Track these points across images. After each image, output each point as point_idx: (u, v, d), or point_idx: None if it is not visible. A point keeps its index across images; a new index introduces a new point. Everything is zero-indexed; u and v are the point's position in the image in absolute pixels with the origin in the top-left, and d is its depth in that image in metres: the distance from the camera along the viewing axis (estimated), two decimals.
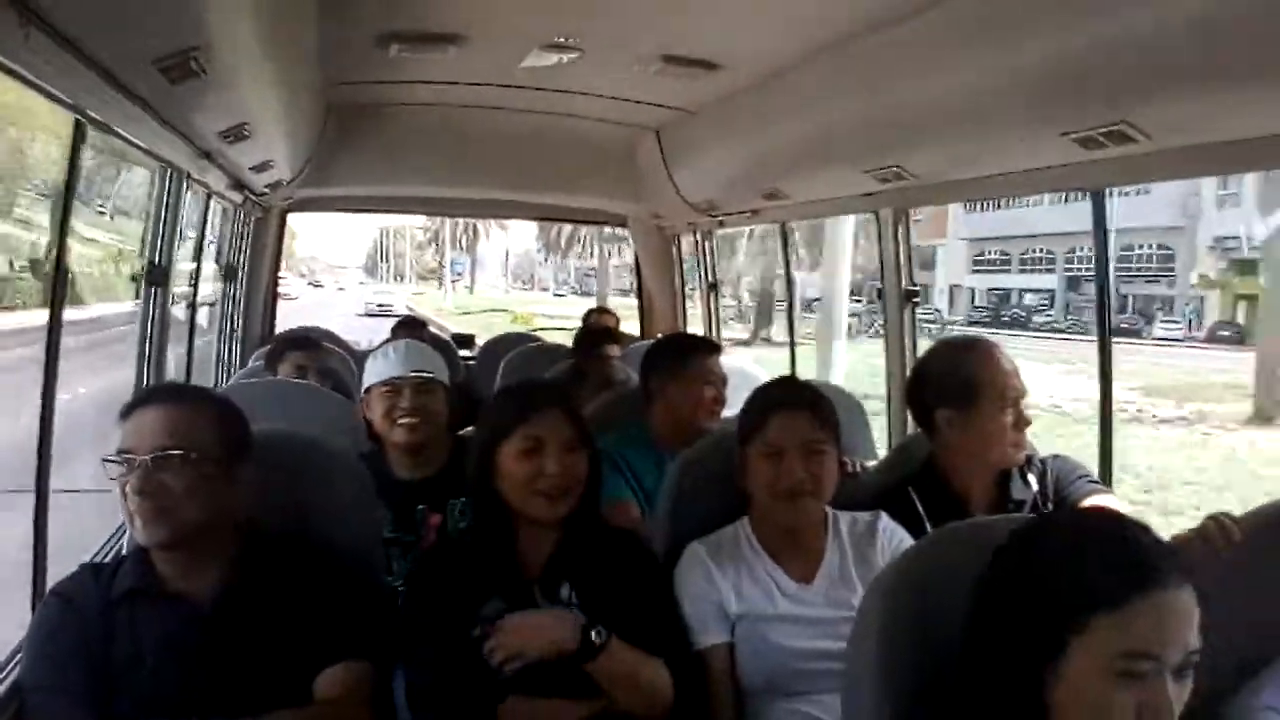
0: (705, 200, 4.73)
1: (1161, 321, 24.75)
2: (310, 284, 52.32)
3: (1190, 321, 24.08)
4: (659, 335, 5.07)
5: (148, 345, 2.94)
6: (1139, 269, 24.59)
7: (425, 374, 2.54)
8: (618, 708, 1.75)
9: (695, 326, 5.71)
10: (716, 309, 5.62)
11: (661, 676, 1.80)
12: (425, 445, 2.50)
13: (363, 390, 2.62)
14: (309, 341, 3.80)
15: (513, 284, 54.66)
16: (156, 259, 2.97)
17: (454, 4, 3.03)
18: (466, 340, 6.84)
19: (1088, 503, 2.14)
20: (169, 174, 2.99)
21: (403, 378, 2.51)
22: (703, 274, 5.53)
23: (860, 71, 2.82)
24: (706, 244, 5.44)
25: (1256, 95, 1.84)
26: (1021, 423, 2.20)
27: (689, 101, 4.05)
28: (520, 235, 48.28)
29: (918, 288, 3.55)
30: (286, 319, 6.27)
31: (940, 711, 1.28)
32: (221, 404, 1.77)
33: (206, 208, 4.04)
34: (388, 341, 3.21)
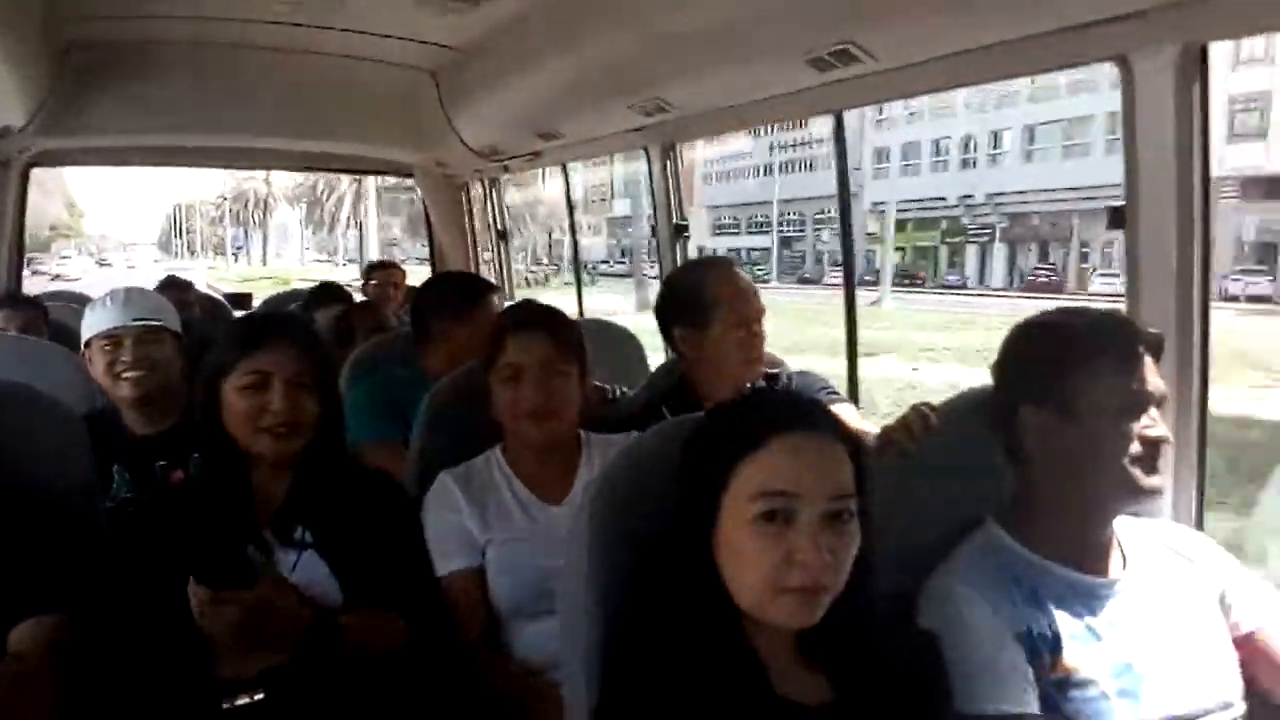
0: (487, 145, 4.62)
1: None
2: (98, 263, 48.59)
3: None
4: None
5: None
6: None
7: (150, 321, 2.34)
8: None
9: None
10: (507, 258, 5.53)
11: (392, 632, 1.72)
12: (154, 398, 2.32)
13: (83, 344, 2.40)
14: (18, 300, 3.52)
15: (318, 255, 52.48)
16: None
17: None
18: (243, 299, 6.52)
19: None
20: None
21: (123, 327, 2.32)
22: (492, 222, 5.42)
23: (616, 3, 2.80)
24: (494, 191, 5.33)
25: (968, 11, 1.93)
26: (757, 339, 2.25)
27: (462, 41, 3.92)
28: None
29: (687, 223, 3.59)
30: None
31: (645, 602, 1.28)
32: None
33: None
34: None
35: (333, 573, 1.74)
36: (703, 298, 2.26)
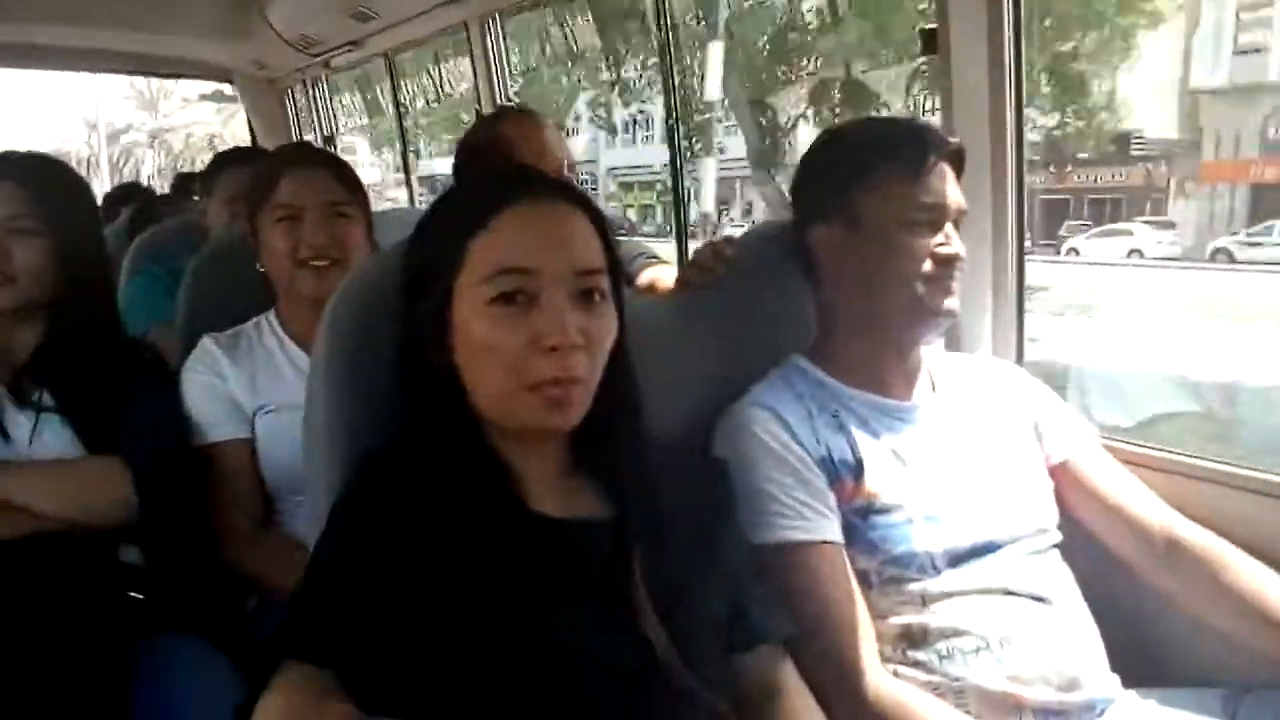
0: (302, 36, 4.25)
1: None
2: None
3: None
4: None
5: None
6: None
7: None
8: (52, 524, 1.45)
9: None
10: None
11: (97, 478, 1.51)
12: None
13: None
14: None
15: None
16: None
17: None
18: None
19: (646, 274, 2.09)
20: None
21: None
22: (317, 128, 5.05)
23: None
24: (315, 91, 4.95)
25: None
26: None
27: None
28: None
29: (514, 104, 3.37)
30: None
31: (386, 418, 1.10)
32: None
33: None
34: None
35: (77, 437, 1.53)
36: (497, 146, 2.05)
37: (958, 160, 1.41)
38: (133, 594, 1.50)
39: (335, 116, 5.12)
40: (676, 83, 2.94)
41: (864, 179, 1.38)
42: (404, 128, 4.81)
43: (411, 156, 5.19)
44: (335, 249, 1.72)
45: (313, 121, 5.10)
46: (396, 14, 3.64)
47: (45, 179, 1.60)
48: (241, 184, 2.45)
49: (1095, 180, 19.08)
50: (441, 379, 1.03)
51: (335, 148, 5.08)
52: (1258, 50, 15.80)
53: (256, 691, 0.96)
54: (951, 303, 1.37)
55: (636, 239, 2.34)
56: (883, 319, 1.40)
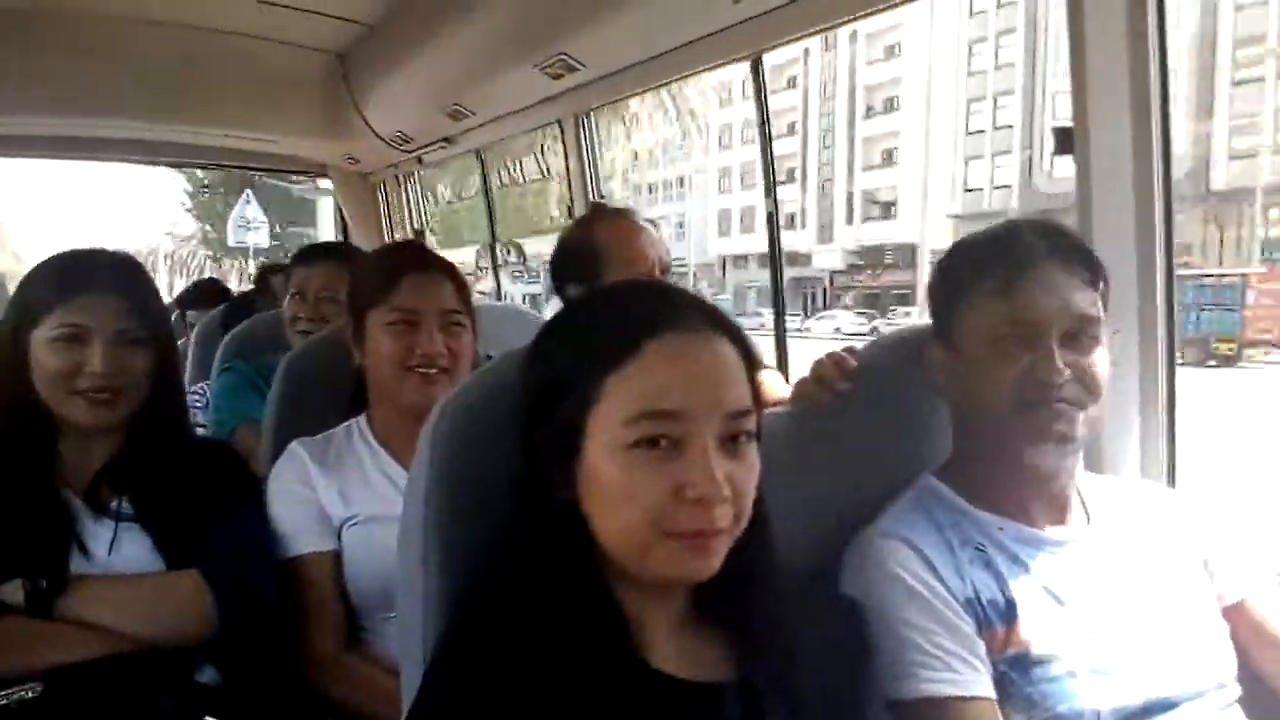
0: (396, 133, 4.34)
1: None
2: None
3: None
4: None
5: None
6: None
7: None
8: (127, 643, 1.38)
9: None
10: None
11: (176, 595, 1.43)
12: None
13: None
14: None
15: None
16: None
17: None
18: None
19: None
20: None
21: None
22: (408, 220, 5.12)
23: None
24: (408, 185, 5.04)
25: None
26: None
27: (368, 15, 3.67)
28: None
29: (605, 199, 3.35)
30: None
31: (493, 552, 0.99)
32: None
33: None
34: None
35: (157, 548, 1.47)
36: (593, 248, 2.02)
37: (1073, 260, 1.26)
38: (209, 718, 1.41)
39: (426, 212, 5.20)
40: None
41: (958, 294, 1.28)
42: (493, 220, 4.83)
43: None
44: (447, 358, 1.67)
45: (403, 215, 5.18)
46: (491, 112, 3.69)
47: (146, 286, 1.57)
48: (320, 280, 2.46)
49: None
50: (564, 517, 0.92)
51: (424, 239, 5.14)
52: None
53: None
54: (1066, 427, 1.22)
55: None
56: (995, 443, 1.27)
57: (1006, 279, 1.23)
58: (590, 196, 3.30)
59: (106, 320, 1.45)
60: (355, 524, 1.63)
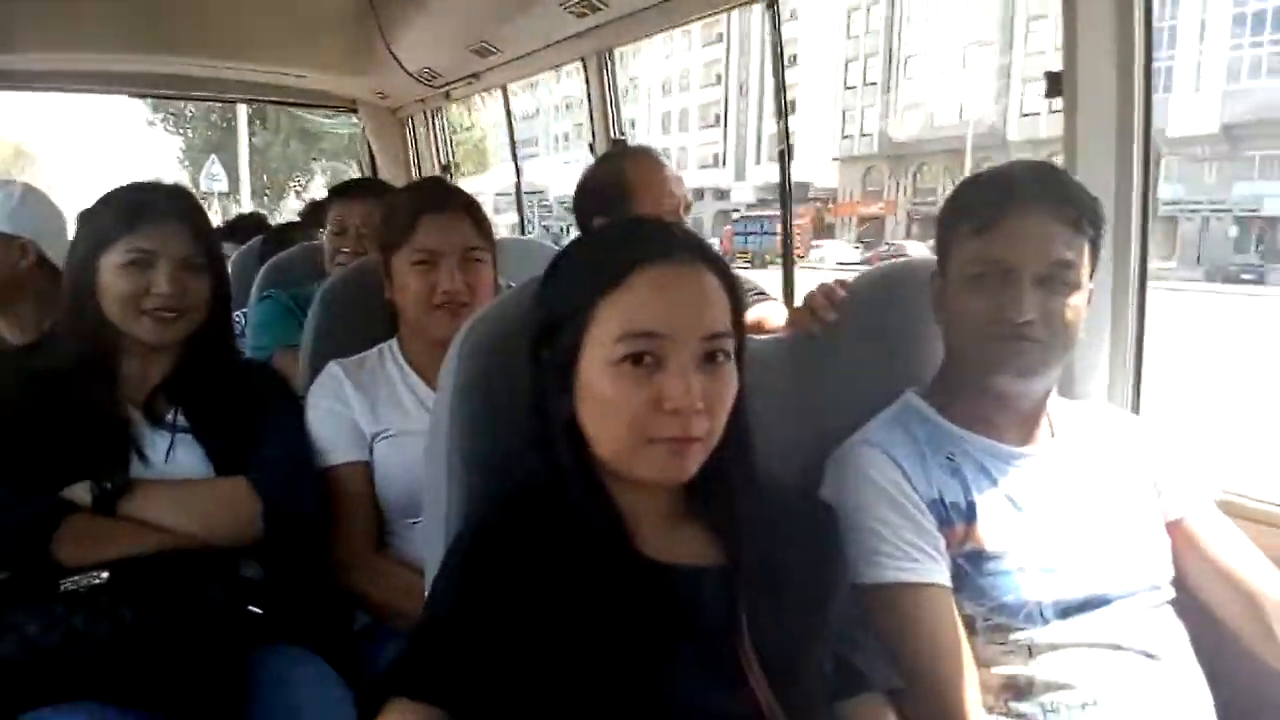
0: (424, 68, 4.43)
1: None
2: None
3: None
4: None
5: None
6: None
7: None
8: (182, 540, 1.52)
9: None
10: None
11: (228, 499, 1.58)
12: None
13: None
14: None
15: None
16: None
17: None
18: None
19: (753, 311, 2.09)
20: None
21: None
22: (435, 155, 5.22)
23: None
24: (436, 121, 5.13)
25: None
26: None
27: None
28: None
29: (625, 138, 3.43)
30: None
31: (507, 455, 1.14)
32: None
33: None
34: None
35: (207, 457, 1.61)
36: (620, 185, 2.10)
37: (1043, 200, 1.32)
38: (251, 608, 1.55)
39: (452, 145, 5.29)
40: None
41: (949, 230, 1.39)
42: (516, 157, 4.91)
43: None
44: (467, 293, 1.78)
45: (431, 150, 5.28)
46: (516, 49, 3.76)
47: (203, 217, 1.70)
48: (359, 215, 2.57)
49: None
50: (564, 426, 1.06)
51: (453, 175, 5.25)
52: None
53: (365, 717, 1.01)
54: (1025, 361, 1.32)
55: (744, 273, 2.33)
56: (971, 369, 1.39)
57: (986, 220, 1.33)
58: (612, 133, 3.38)
59: (171, 246, 1.59)
60: (385, 438, 1.77)
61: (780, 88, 2.78)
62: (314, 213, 4.39)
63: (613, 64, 3.35)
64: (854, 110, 39.48)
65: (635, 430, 1.01)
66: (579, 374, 1.04)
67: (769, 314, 2.09)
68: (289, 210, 23.24)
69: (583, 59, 3.42)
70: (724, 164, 43.90)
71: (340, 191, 2.74)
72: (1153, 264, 1.77)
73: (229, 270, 1.80)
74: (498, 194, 12.96)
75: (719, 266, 1.07)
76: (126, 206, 1.62)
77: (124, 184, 1.68)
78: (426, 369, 1.82)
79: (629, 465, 1.04)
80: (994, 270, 1.32)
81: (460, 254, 1.79)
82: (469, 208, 1.84)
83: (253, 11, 4.17)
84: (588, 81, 3.42)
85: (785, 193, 2.88)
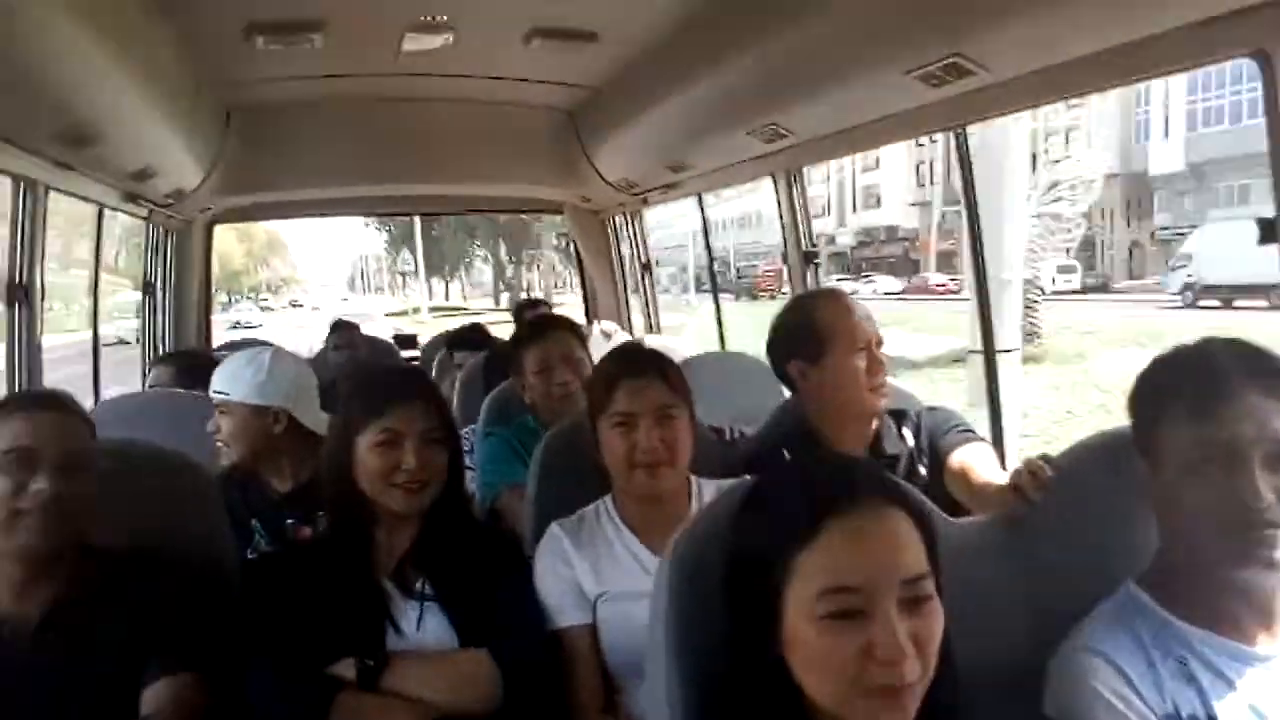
0: (623, 179, 4.67)
1: None
2: (291, 303, 54.32)
3: None
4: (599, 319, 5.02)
5: (16, 369, 2.81)
6: None
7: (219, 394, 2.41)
8: (441, 709, 1.67)
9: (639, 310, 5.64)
10: (651, 290, 5.53)
11: (473, 672, 1.71)
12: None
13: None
14: (185, 356, 3.70)
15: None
16: (17, 277, 2.82)
17: None
18: (409, 340, 6.80)
19: (958, 454, 2.06)
20: (20, 185, 2.83)
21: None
22: (635, 254, 5.44)
23: (730, 35, 2.78)
24: (635, 223, 5.35)
25: (1077, 16, 1.78)
26: (876, 364, 2.11)
27: (592, 78, 4.01)
28: None
29: (816, 249, 3.48)
30: None
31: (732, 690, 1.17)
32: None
33: (100, 220, 3.95)
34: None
35: (451, 624, 1.75)
36: (815, 327, 2.13)
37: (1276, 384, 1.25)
38: None
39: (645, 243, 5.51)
40: None
41: (1158, 415, 1.31)
42: (710, 251, 5.06)
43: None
44: (665, 451, 1.88)
45: (633, 249, 5.53)
46: (708, 165, 3.91)
47: (437, 395, 1.90)
48: (561, 349, 2.67)
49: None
50: (773, 672, 1.09)
51: (652, 271, 5.46)
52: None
53: None
54: (1272, 551, 1.22)
55: (947, 407, 2.30)
56: (1199, 560, 1.29)
57: (1201, 403, 1.25)
58: (803, 245, 3.44)
59: (415, 424, 1.78)
60: (608, 600, 1.86)
61: (970, 204, 2.80)
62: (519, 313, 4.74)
63: (802, 181, 3.42)
64: (924, 163, 42.68)
65: (849, 682, 1.02)
66: (783, 622, 1.06)
67: (972, 463, 2.03)
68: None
69: (772, 174, 3.51)
70: (829, 212, 48.19)
71: (534, 336, 2.79)
72: None
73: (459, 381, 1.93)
74: None
75: (908, 504, 1.08)
76: (375, 393, 1.83)
77: (371, 369, 1.90)
78: (640, 527, 1.92)
79: (847, 716, 1.05)
80: (1217, 456, 1.24)
81: (655, 414, 1.89)
82: (661, 370, 1.94)
83: (475, 140, 4.63)
84: (777, 197, 3.50)
85: (980, 276, 2.88)
